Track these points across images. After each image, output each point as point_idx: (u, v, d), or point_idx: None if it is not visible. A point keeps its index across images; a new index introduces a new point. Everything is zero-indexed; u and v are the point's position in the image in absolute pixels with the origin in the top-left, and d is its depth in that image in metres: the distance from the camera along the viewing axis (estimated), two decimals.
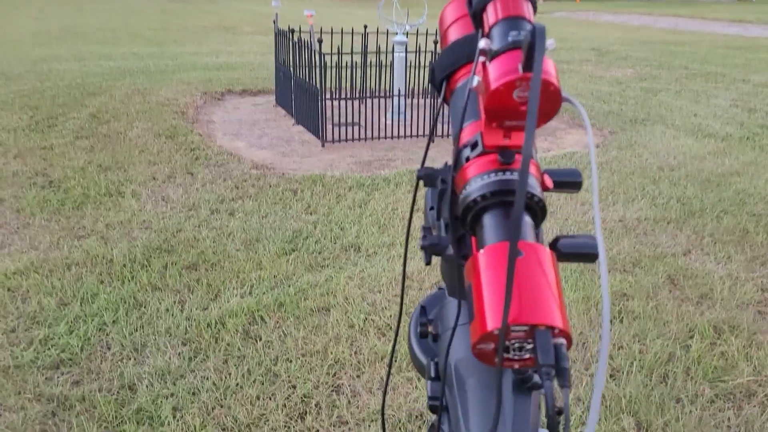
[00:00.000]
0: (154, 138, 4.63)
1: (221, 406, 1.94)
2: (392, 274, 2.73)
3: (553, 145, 5.01)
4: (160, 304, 2.47)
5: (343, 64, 4.95)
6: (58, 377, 2.06)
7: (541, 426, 0.71)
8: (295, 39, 4.97)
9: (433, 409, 0.72)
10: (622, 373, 2.16)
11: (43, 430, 1.83)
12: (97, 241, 2.99)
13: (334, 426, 1.88)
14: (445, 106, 0.74)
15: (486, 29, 0.69)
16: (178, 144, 4.49)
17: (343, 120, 5.07)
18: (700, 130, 5.45)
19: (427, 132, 5.32)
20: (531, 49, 0.58)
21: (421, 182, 0.81)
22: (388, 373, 0.70)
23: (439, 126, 5.40)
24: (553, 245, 0.69)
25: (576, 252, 0.67)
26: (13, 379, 2.04)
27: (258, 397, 1.98)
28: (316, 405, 1.96)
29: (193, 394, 1.99)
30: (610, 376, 2.15)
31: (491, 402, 0.67)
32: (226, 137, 4.85)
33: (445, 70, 0.69)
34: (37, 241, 2.98)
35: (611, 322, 2.48)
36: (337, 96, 4.77)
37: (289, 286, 2.62)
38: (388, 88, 5.30)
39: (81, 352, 2.18)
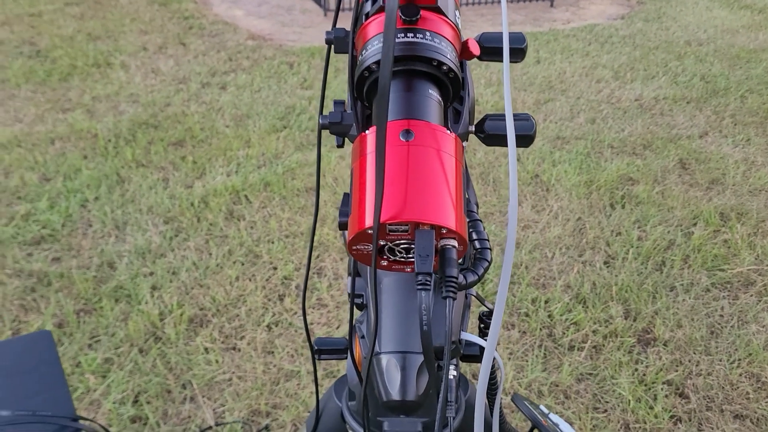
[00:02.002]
0: (147, 5, 4.38)
1: (200, 286, 1.91)
2: None
3: (574, 16, 4.66)
4: (143, 181, 2.39)
5: None
6: (38, 253, 2.03)
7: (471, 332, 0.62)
8: None
9: (356, 305, 0.63)
10: (617, 260, 2.08)
11: (21, 305, 1.82)
12: (83, 114, 2.88)
13: (313, 308, 1.85)
14: None
15: None
16: (172, 12, 4.25)
17: None
18: (737, 0, 5.02)
19: None
20: None
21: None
22: (307, 274, 0.60)
23: None
24: (480, 126, 0.57)
25: (504, 134, 0.55)
26: None
27: (237, 278, 1.94)
28: (296, 287, 1.92)
29: (173, 273, 1.96)
30: (604, 263, 2.08)
31: (405, 301, 0.58)
32: (224, 5, 4.57)
33: None
34: (22, 114, 2.88)
35: (612, 206, 2.36)
36: None
37: (277, 165, 2.52)
38: None
39: (62, 229, 2.14)
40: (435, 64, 0.49)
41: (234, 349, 1.70)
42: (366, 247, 0.44)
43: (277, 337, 1.73)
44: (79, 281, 1.89)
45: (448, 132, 0.46)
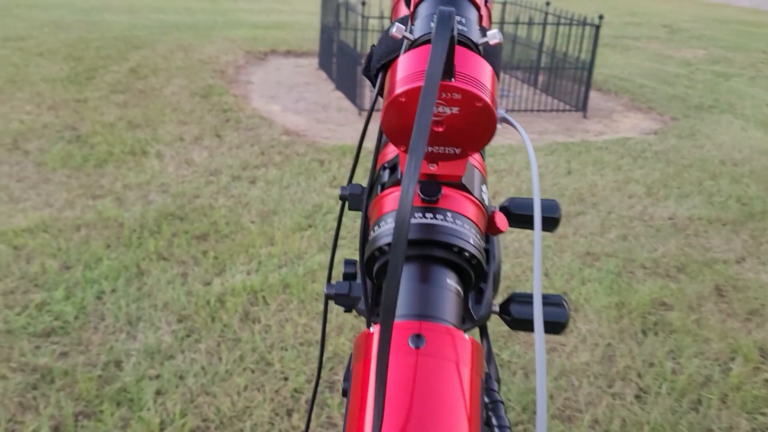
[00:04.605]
0: (189, 96, 4.53)
1: (206, 394, 1.83)
2: None
3: (606, 128, 4.69)
4: (162, 275, 2.36)
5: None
6: (46, 347, 1.97)
7: None
8: (340, 0, 4.75)
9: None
10: (650, 394, 1.95)
11: (20, 403, 1.75)
12: (112, 202, 2.90)
13: (322, 427, 1.74)
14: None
15: (412, 6, 0.49)
16: (212, 104, 4.38)
17: None
18: None
19: None
20: (449, 48, 0.38)
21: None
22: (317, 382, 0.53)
23: None
24: (505, 308, 0.51)
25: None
26: (1, 346, 1.96)
27: (246, 388, 1.85)
28: (306, 401, 1.82)
29: (180, 378, 1.88)
30: (636, 396, 1.94)
31: None
32: (262, 99, 4.71)
33: (384, 58, 0.50)
34: (53, 199, 2.92)
35: (644, 333, 2.25)
36: None
37: (299, 266, 2.47)
38: None
39: (74, 321, 2.09)
40: (456, 250, 0.44)
41: None
42: None
43: None
44: (82, 380, 1.82)
45: (465, 336, 0.40)
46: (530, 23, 5.08)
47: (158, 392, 1.82)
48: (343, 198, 0.57)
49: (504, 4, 5.62)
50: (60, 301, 2.18)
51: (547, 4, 4.98)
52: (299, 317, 2.18)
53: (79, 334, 2.04)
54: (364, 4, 4.18)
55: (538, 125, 4.64)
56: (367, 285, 0.48)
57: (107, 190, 3.03)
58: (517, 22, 5.16)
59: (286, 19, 8.42)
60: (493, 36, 0.43)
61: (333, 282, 0.56)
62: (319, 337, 2.08)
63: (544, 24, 4.94)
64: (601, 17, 4.57)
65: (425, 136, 0.32)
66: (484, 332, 0.56)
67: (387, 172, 0.49)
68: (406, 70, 0.41)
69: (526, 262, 2.64)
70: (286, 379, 1.90)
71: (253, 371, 1.92)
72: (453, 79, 0.39)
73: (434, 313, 0.41)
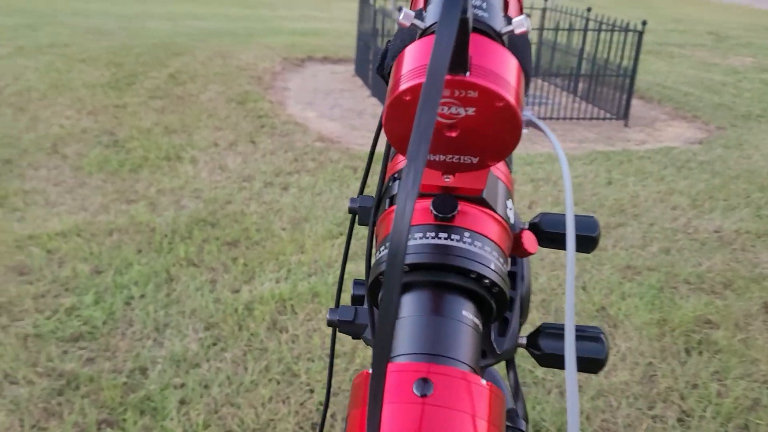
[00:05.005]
0: (225, 102, 4.55)
1: (230, 405, 1.79)
2: None
3: (649, 137, 4.54)
4: (191, 281, 2.34)
5: None
6: (73, 352, 1.97)
7: None
8: (377, 6, 4.73)
9: None
10: (693, 418, 1.84)
11: (45, 409, 1.74)
12: (145, 207, 2.91)
13: None
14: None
15: None
16: (247, 110, 4.39)
17: None
18: None
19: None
20: (461, 35, 0.32)
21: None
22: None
23: None
24: (533, 341, 0.45)
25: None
26: (29, 350, 1.97)
27: (271, 399, 1.81)
28: (331, 416, 1.77)
29: (204, 387, 1.85)
30: (678, 420, 1.84)
31: None
32: (298, 106, 4.70)
33: (398, 54, 0.45)
34: (88, 203, 2.95)
35: (687, 352, 2.13)
36: None
37: (329, 275, 2.43)
38: None
39: (102, 326, 2.09)
40: (473, 276, 0.38)
41: None
42: None
43: None
44: (107, 387, 1.81)
45: (482, 382, 0.34)
46: (570, 29, 4.97)
47: (182, 401, 1.79)
48: (352, 211, 0.52)
49: (544, 10, 5.52)
50: (89, 305, 2.18)
51: (588, 10, 4.87)
52: (327, 328, 2.13)
53: (106, 339, 2.03)
54: (400, 9, 4.14)
55: (578, 133, 4.52)
56: (373, 313, 0.43)
57: (141, 195, 3.05)
58: (557, 28, 5.06)
59: (324, 26, 8.45)
60: (519, 24, 0.37)
61: (344, 305, 0.50)
62: (346, 348, 2.03)
63: (585, 30, 4.82)
64: (644, 23, 4.44)
65: (426, 142, 0.26)
66: (510, 364, 0.50)
67: (396, 183, 0.44)
68: (412, 62, 0.36)
69: (563, 275, 2.55)
70: (312, 391, 1.86)
71: (278, 382, 1.88)
72: (468, 74, 0.34)
73: (446, 352, 0.35)
